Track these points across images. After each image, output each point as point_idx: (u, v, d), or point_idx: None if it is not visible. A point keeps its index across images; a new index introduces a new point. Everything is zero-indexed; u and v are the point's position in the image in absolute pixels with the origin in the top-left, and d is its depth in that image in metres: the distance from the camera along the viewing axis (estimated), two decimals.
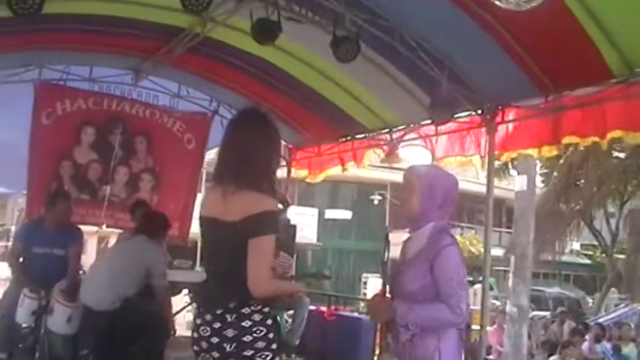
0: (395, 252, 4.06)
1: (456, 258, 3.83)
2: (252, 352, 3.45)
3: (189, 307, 10.43)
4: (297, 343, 9.36)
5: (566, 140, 7.04)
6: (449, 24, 6.69)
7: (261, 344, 3.47)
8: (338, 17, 6.96)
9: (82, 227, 8.31)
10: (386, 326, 4.04)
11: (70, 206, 8.02)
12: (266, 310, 3.56)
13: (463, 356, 3.99)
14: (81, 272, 8.09)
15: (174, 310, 10.17)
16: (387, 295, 4.09)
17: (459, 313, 3.71)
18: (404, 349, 3.81)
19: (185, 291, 9.32)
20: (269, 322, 3.55)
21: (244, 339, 3.45)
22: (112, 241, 9.96)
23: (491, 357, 14.78)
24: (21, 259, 7.73)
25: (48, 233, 7.68)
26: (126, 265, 6.91)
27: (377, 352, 4.28)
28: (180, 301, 10.03)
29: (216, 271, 3.71)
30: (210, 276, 3.78)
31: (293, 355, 9.15)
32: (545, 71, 6.76)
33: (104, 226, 10.58)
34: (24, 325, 7.28)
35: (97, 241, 22.23)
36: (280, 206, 8.65)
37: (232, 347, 3.46)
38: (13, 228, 40.97)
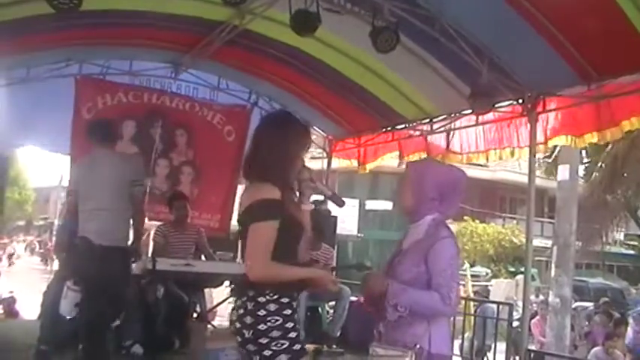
0: None
1: (451, 250, 3.89)
2: (267, 340, 3.53)
3: (231, 299, 10.42)
4: (339, 334, 9.36)
5: (609, 130, 6.93)
6: (489, 13, 6.63)
7: (275, 333, 3.54)
8: (377, 7, 6.92)
9: None
10: (372, 304, 4.04)
11: None
12: (284, 300, 3.62)
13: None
14: None
15: (215, 302, 10.25)
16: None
17: (449, 303, 3.78)
18: (389, 329, 3.87)
19: (227, 283, 9.34)
20: (287, 312, 3.61)
21: (259, 327, 3.54)
22: (151, 234, 9.86)
23: (533, 348, 14.66)
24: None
25: None
26: (121, 190, 6.66)
27: None
28: (222, 292, 10.06)
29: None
30: None
31: (334, 346, 9.13)
32: (586, 59, 6.66)
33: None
34: (67, 318, 7.36)
35: None
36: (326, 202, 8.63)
37: (250, 334, 3.56)
38: (55, 221, 41.58)
